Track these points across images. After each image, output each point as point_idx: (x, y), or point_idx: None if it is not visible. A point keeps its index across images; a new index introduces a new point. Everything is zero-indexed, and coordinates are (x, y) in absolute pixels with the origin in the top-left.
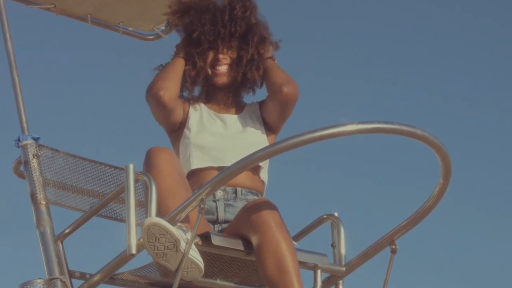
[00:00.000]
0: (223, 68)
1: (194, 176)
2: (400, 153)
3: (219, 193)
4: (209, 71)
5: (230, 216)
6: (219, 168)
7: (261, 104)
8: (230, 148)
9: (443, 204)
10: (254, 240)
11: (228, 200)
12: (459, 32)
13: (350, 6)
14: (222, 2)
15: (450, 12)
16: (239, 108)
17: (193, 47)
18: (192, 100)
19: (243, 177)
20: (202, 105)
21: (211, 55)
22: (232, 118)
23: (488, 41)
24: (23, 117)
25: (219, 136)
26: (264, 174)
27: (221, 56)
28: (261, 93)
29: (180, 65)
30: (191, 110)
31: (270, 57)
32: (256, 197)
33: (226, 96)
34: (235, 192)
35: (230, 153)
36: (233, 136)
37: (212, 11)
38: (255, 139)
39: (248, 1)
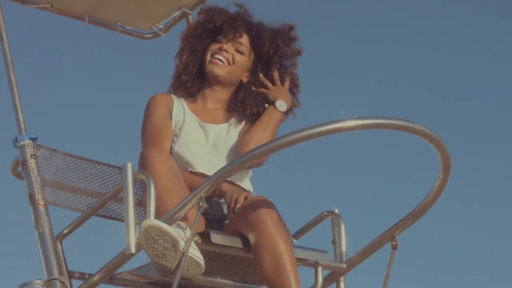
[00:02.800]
0: (220, 58)
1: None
2: (399, 149)
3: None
4: (208, 58)
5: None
6: (202, 175)
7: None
8: (213, 165)
9: (444, 201)
10: (251, 238)
11: (221, 198)
12: (459, 32)
13: (350, 6)
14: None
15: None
16: (230, 115)
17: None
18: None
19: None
20: (186, 107)
21: (220, 44)
22: (217, 130)
23: (487, 41)
24: (21, 117)
25: (201, 151)
26: (247, 186)
27: (225, 46)
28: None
29: None
30: (175, 106)
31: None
32: (247, 192)
33: (217, 98)
34: None
35: (213, 169)
36: (216, 149)
37: (255, 23)
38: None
39: (293, 44)
